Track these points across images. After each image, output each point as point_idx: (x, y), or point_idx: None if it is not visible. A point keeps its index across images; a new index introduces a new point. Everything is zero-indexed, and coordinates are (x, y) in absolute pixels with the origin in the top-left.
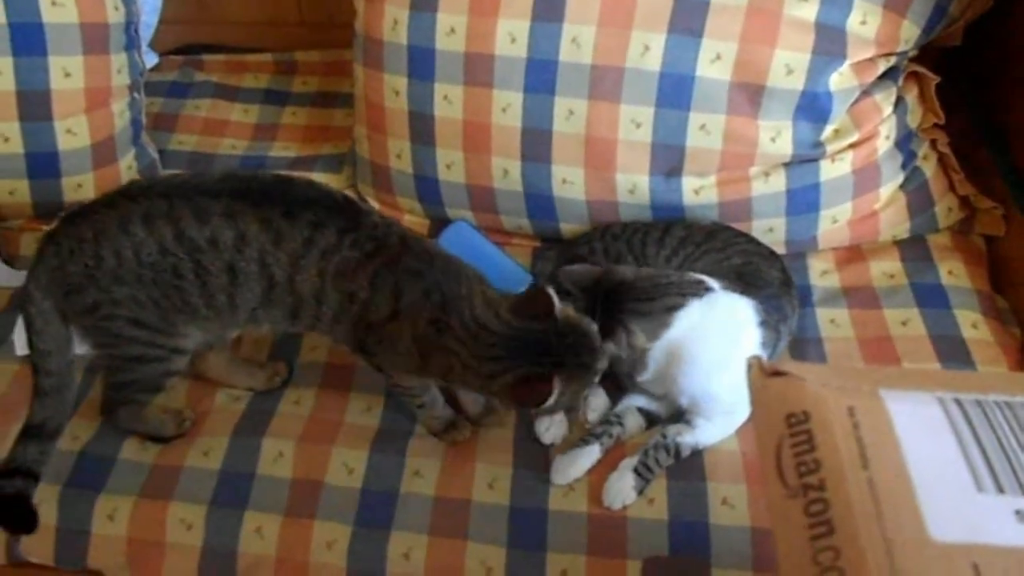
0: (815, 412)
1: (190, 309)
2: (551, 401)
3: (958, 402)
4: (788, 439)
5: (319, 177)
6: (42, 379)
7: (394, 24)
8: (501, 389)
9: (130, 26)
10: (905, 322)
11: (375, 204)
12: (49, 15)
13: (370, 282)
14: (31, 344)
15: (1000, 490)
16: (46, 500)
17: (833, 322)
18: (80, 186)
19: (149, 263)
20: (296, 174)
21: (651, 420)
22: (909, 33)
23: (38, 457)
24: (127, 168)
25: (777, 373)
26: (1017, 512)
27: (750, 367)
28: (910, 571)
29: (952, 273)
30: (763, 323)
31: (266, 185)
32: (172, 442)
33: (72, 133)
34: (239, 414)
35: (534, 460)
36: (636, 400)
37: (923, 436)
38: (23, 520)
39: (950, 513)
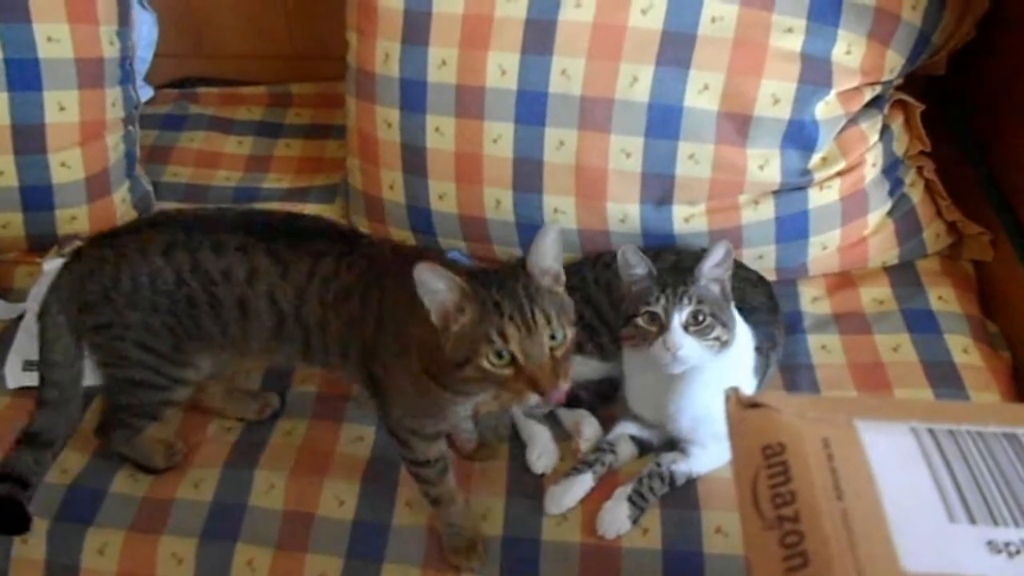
0: (790, 443)
1: (205, 338)
2: None
3: (931, 432)
4: (764, 470)
5: (312, 208)
6: (46, 390)
7: (386, 57)
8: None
9: (125, 61)
10: (896, 348)
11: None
12: (45, 51)
13: (361, 297)
14: (41, 355)
15: (972, 520)
16: (35, 534)
17: (824, 348)
18: (74, 218)
19: (165, 291)
20: (289, 206)
21: (643, 448)
22: (893, 63)
23: (31, 466)
24: (121, 200)
25: (754, 405)
26: (988, 543)
27: (728, 399)
28: None
29: (942, 298)
30: (757, 349)
31: (276, 220)
32: (162, 474)
33: (66, 166)
34: (230, 445)
35: (527, 490)
36: (628, 428)
37: (896, 467)
38: (15, 521)
39: (922, 544)
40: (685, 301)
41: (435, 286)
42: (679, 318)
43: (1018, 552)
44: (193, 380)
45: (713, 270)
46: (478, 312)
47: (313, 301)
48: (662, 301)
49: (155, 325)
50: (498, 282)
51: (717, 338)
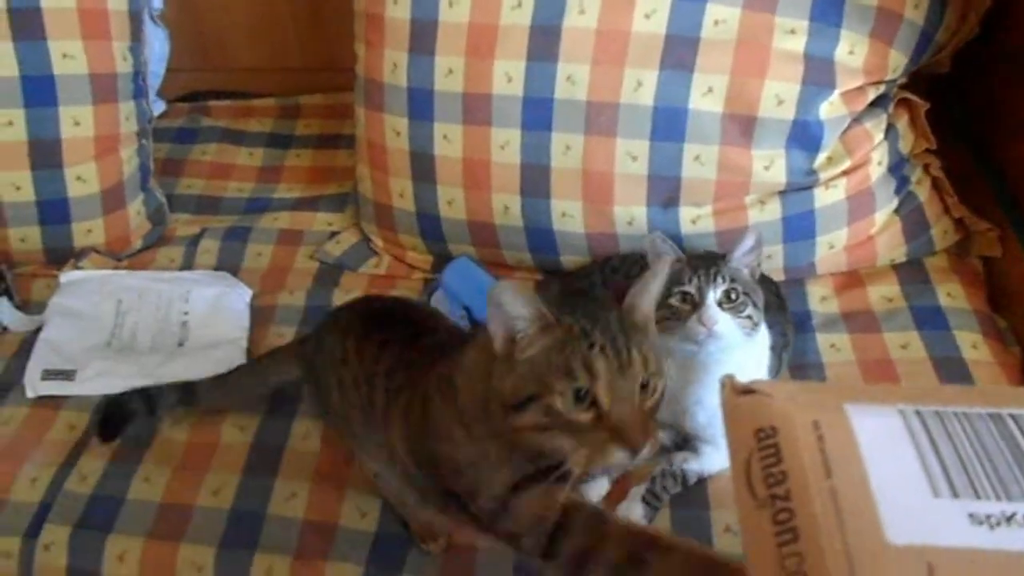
0: (782, 426)
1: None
2: None
3: (918, 414)
4: (757, 453)
5: (323, 216)
6: (235, 370)
7: (394, 67)
8: None
9: (138, 75)
10: (905, 345)
11: (379, 242)
12: (60, 67)
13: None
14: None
15: (955, 495)
16: (57, 542)
17: (834, 347)
18: (90, 231)
19: (331, 366)
20: (300, 215)
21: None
22: (896, 62)
23: (166, 398)
24: (136, 213)
25: (748, 391)
26: (971, 515)
27: (723, 386)
28: (868, 572)
29: (950, 295)
30: (771, 348)
31: (386, 305)
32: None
33: (82, 180)
34: (247, 447)
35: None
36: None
37: (884, 446)
38: (110, 428)
39: (907, 517)
40: (719, 280)
41: (515, 311)
42: (714, 295)
43: (999, 524)
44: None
45: (743, 257)
46: (559, 339)
47: (379, 392)
48: (695, 281)
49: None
50: (586, 310)
51: (749, 316)
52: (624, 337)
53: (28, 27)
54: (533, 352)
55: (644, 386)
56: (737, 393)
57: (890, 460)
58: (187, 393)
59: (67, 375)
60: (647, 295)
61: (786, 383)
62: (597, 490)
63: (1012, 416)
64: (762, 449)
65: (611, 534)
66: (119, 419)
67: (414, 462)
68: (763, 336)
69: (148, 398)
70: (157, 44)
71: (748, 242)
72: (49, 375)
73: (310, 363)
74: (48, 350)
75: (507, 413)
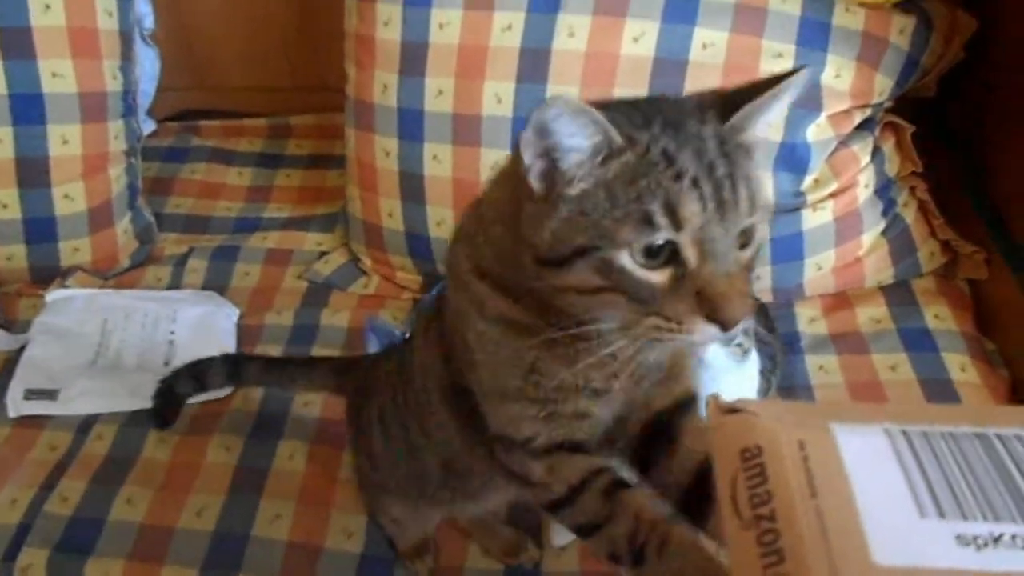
0: (767, 446)
1: None
2: None
3: (904, 433)
4: (742, 473)
5: (313, 237)
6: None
7: (384, 88)
8: None
9: (128, 95)
10: (894, 367)
11: (368, 262)
12: (49, 86)
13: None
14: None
15: (941, 515)
16: (35, 565)
17: (822, 369)
18: (77, 250)
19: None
20: (289, 235)
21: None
22: (882, 85)
23: (215, 375)
24: (123, 232)
25: (733, 410)
26: (958, 536)
27: (708, 404)
28: None
29: (938, 317)
30: (761, 371)
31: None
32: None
33: (69, 198)
34: (232, 469)
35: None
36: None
37: (870, 466)
38: (167, 416)
39: (893, 538)
40: None
41: (563, 130)
42: None
43: (986, 545)
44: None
45: None
46: (629, 166)
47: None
48: None
49: None
50: (667, 119)
51: (740, 344)
52: (726, 164)
53: (18, 46)
54: (587, 186)
55: (744, 233)
56: (722, 412)
57: (876, 480)
58: (235, 372)
59: (50, 395)
60: (765, 113)
61: (772, 402)
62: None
63: (998, 435)
64: (747, 469)
65: (621, 514)
66: (172, 404)
67: (449, 409)
68: (753, 361)
69: (196, 376)
70: (148, 63)
71: None
72: (32, 395)
73: (364, 379)
74: (32, 369)
75: (542, 269)
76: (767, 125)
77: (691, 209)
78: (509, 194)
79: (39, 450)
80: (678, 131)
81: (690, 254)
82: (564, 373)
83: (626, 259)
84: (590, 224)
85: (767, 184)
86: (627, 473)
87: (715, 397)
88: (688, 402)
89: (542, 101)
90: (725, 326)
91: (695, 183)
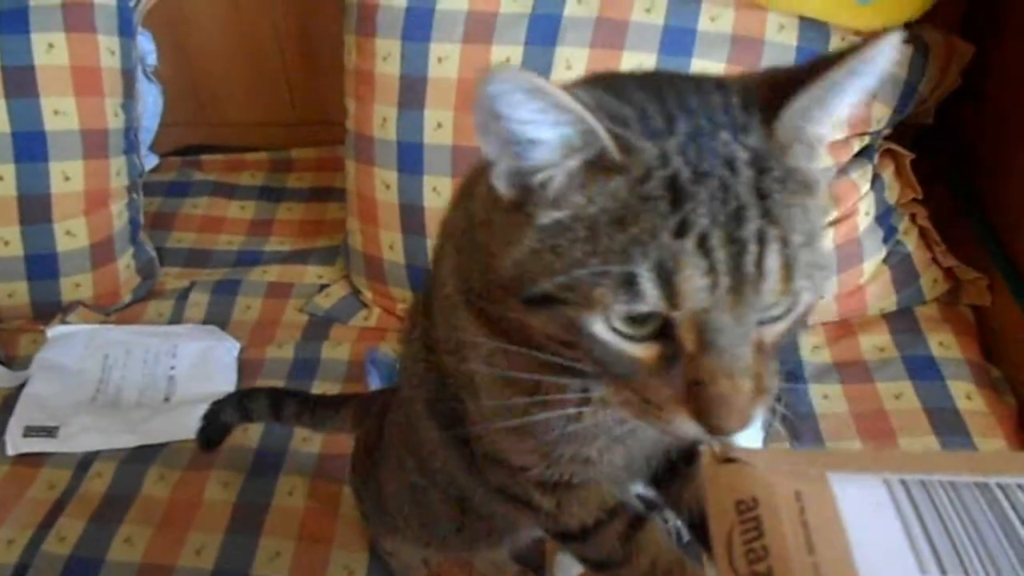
0: (763, 498)
1: None
2: None
3: (903, 483)
4: (738, 526)
5: (313, 269)
6: (326, 401)
7: (383, 122)
8: None
9: (130, 131)
10: (899, 395)
11: (368, 294)
12: (51, 123)
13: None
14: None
15: (943, 571)
16: None
17: (827, 398)
18: (78, 286)
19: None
20: (291, 268)
21: (648, 506)
22: (880, 113)
23: (264, 407)
24: (125, 267)
25: (728, 459)
26: None
27: (703, 453)
28: None
29: (942, 344)
30: None
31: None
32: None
33: (71, 235)
34: (231, 507)
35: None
36: (635, 486)
37: (868, 518)
38: (211, 442)
39: None
40: None
41: (522, 114)
42: None
43: None
44: None
45: None
46: (619, 197)
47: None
48: None
49: None
50: (694, 124)
51: None
52: (759, 212)
53: (21, 85)
54: (562, 216)
55: (769, 309)
56: (717, 461)
57: (875, 534)
58: (276, 409)
59: (49, 432)
60: (833, 103)
61: (769, 451)
62: None
63: (1000, 485)
64: (743, 522)
65: (638, 558)
66: (217, 430)
67: (438, 426)
68: None
69: (243, 407)
70: (151, 99)
71: None
72: (31, 432)
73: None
74: (31, 406)
75: (506, 296)
76: (833, 126)
77: (693, 284)
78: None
79: (37, 488)
80: (702, 148)
81: (686, 338)
82: (555, 436)
83: (599, 326)
84: (560, 268)
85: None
86: (643, 491)
87: (709, 445)
88: None
89: (487, 70)
90: (714, 433)
91: (703, 244)
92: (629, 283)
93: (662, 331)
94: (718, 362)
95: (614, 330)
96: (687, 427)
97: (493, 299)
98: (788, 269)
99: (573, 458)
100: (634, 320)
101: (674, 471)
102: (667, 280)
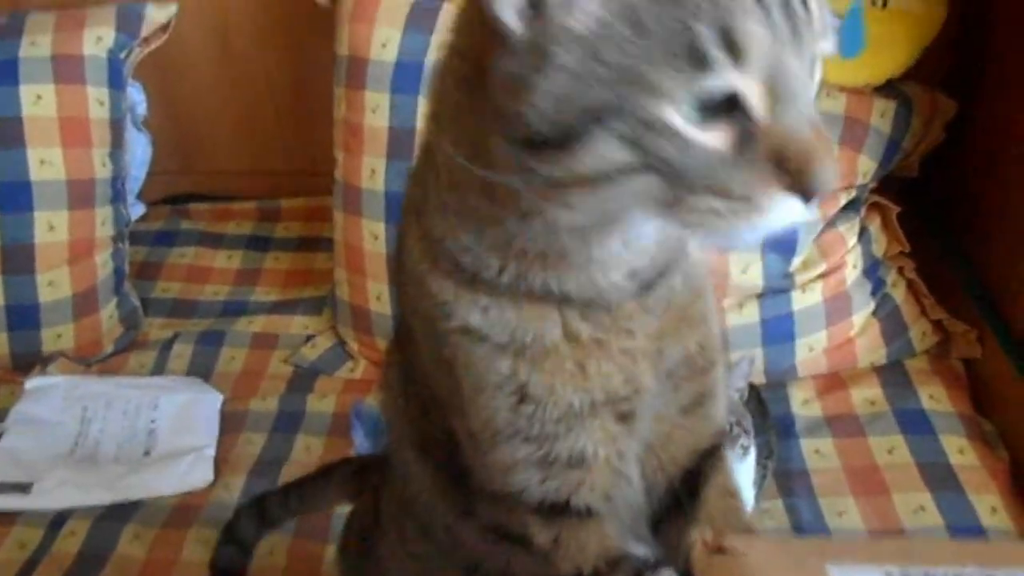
0: None
1: None
2: None
3: None
4: None
5: (300, 320)
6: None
7: (371, 173)
8: None
9: (117, 181)
10: (891, 450)
11: (355, 346)
12: (37, 173)
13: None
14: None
15: None
16: None
17: (818, 452)
18: (60, 336)
19: None
20: (277, 318)
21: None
22: (866, 167)
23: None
24: (108, 317)
25: (721, 549)
26: None
27: (694, 544)
28: None
29: (933, 397)
30: (757, 460)
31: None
32: None
33: (53, 285)
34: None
35: None
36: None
37: None
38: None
39: None
40: None
41: None
42: None
43: None
44: None
45: (735, 382)
46: None
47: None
48: None
49: None
50: None
51: (743, 446)
52: None
53: (8, 135)
54: (597, 14)
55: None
56: (709, 551)
57: None
58: (263, 516)
59: (23, 488)
60: None
61: (762, 539)
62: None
63: None
64: None
65: None
66: (239, 555)
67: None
68: (751, 457)
69: (261, 515)
70: (139, 149)
71: (744, 367)
72: (3, 488)
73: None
74: (5, 461)
75: (530, 157)
76: None
77: (756, 35)
78: (471, 48)
79: (7, 549)
80: None
81: (757, 100)
82: (567, 389)
83: (670, 114)
84: (609, 73)
85: (755, 267)
86: (642, 552)
87: (701, 534)
88: (714, 451)
89: None
90: (811, 194)
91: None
92: (692, 53)
93: (728, 113)
94: (794, 113)
95: (682, 119)
96: (783, 207)
97: (492, 197)
98: (822, 8)
99: (570, 460)
100: (701, 105)
101: (676, 509)
102: (730, 37)
